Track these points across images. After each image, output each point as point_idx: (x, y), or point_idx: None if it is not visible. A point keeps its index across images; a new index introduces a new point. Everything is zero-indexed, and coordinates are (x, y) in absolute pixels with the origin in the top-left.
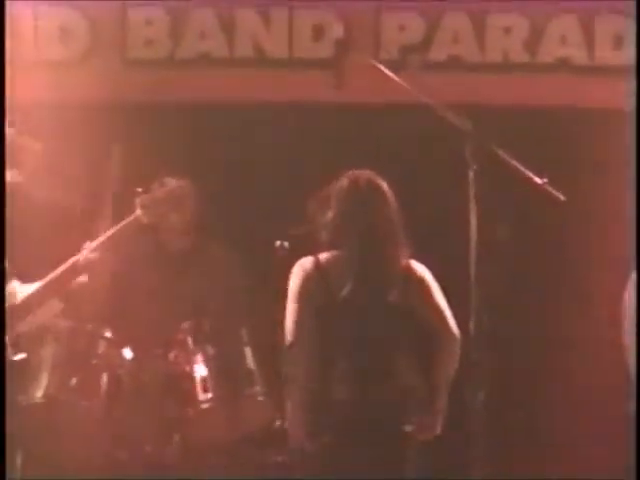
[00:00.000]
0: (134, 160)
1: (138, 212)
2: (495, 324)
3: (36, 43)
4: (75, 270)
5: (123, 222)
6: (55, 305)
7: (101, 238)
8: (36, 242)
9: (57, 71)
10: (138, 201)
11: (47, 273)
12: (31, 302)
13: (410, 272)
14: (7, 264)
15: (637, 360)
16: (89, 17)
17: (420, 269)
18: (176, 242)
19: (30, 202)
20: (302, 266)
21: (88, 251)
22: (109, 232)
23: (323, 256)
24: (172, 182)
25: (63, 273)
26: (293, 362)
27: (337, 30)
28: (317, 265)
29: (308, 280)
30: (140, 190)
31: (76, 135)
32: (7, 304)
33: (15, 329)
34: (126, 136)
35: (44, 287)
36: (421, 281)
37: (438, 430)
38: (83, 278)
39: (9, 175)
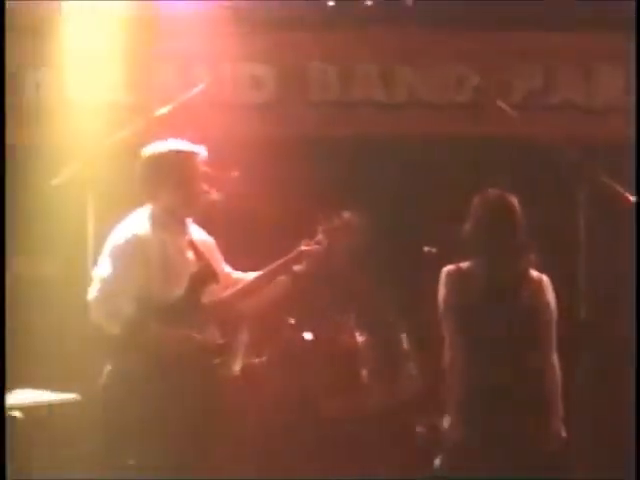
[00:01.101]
0: (315, 184)
1: (320, 236)
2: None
3: (234, 89)
4: (285, 266)
5: (313, 241)
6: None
7: (301, 247)
8: (247, 241)
9: (250, 112)
10: (320, 228)
11: (258, 267)
12: (242, 294)
13: (532, 278)
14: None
15: (637, 360)
16: (276, 68)
17: (539, 276)
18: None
19: (230, 212)
20: (446, 273)
21: (295, 253)
22: (303, 246)
23: (464, 264)
24: (346, 214)
25: (277, 267)
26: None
27: (474, 80)
28: (458, 272)
29: (451, 285)
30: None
31: (265, 164)
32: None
33: (225, 315)
34: (306, 166)
35: (259, 279)
36: (540, 286)
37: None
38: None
39: (214, 193)
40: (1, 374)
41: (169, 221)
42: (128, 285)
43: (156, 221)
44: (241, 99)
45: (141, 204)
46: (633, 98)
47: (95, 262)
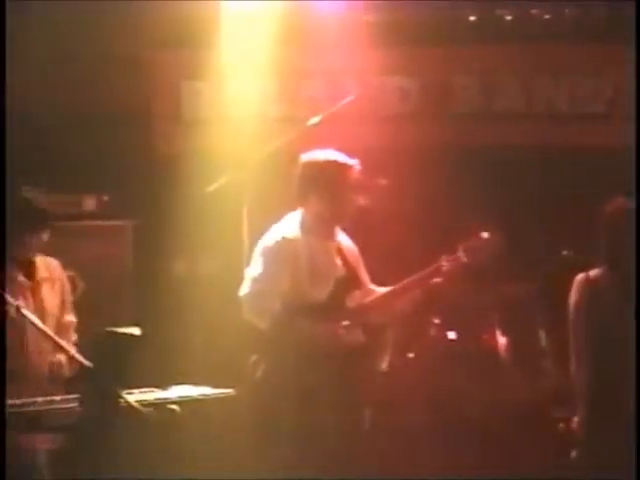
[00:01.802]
0: (456, 194)
1: (460, 253)
2: None
3: (381, 101)
4: (423, 280)
5: (452, 256)
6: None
7: (441, 262)
8: (388, 250)
9: (395, 122)
10: (461, 245)
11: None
12: (383, 301)
13: None
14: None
15: (637, 360)
16: (421, 81)
17: None
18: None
19: (374, 220)
20: (579, 281)
21: (441, 262)
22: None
23: (595, 272)
24: (485, 234)
25: (423, 276)
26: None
27: (607, 92)
28: (591, 280)
29: (583, 293)
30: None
31: (409, 174)
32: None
33: (367, 319)
34: (448, 175)
35: (404, 287)
36: None
37: None
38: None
39: (361, 200)
40: (1, 374)
41: (319, 227)
42: (276, 284)
43: (306, 226)
44: (387, 110)
45: (293, 209)
46: (633, 100)
47: (249, 262)
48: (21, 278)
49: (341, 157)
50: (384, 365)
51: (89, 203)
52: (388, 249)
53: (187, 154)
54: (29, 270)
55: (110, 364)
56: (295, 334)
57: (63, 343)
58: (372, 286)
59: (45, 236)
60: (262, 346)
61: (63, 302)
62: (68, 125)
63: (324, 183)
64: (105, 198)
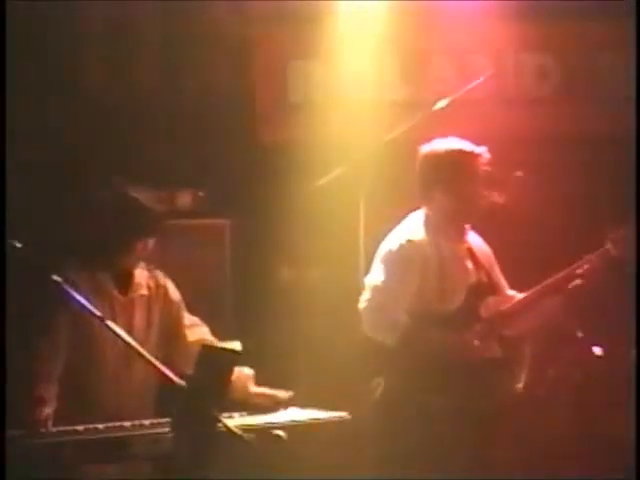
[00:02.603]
0: (602, 187)
1: (608, 245)
2: None
3: (517, 81)
4: (573, 275)
5: (597, 251)
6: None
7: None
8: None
9: (534, 106)
10: (610, 236)
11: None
12: (522, 308)
13: None
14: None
15: (637, 360)
16: (563, 60)
17: None
18: None
19: (510, 218)
20: None
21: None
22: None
23: None
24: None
25: (565, 276)
26: None
27: None
28: None
29: None
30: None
31: (550, 164)
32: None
33: (503, 330)
34: (591, 167)
35: (543, 290)
36: None
37: None
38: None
39: (493, 195)
40: (1, 374)
41: (446, 226)
42: (402, 293)
43: (432, 226)
44: (524, 92)
45: (417, 207)
46: (633, 94)
47: (367, 269)
48: (114, 292)
49: (466, 145)
50: (520, 384)
51: (183, 199)
52: (524, 250)
53: (294, 143)
54: (125, 283)
55: (207, 383)
56: (425, 348)
57: (152, 359)
58: (510, 291)
59: (151, 242)
60: (386, 363)
61: (176, 323)
62: (161, 114)
63: (448, 176)
64: (201, 194)
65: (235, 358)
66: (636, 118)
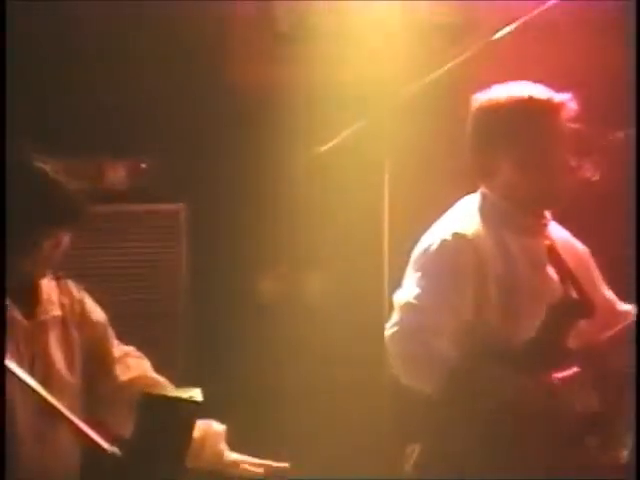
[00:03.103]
0: None
1: None
2: None
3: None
4: None
5: None
6: None
7: None
8: None
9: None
10: None
11: None
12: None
13: None
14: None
15: (637, 359)
16: None
17: None
18: None
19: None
20: None
21: None
22: None
23: None
24: None
25: None
26: None
27: None
28: None
29: None
30: None
31: None
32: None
33: (600, 372)
34: None
35: None
36: None
37: None
38: None
39: (589, 171)
40: (1, 374)
41: (517, 215)
42: (451, 314)
43: (494, 214)
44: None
45: (472, 188)
46: (633, 98)
47: (394, 279)
48: (15, 314)
49: (543, 91)
50: (621, 453)
51: (117, 174)
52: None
53: (283, 91)
54: (29, 301)
55: (152, 450)
56: (483, 399)
57: (66, 412)
58: (621, 306)
59: (66, 240)
60: (423, 421)
61: (101, 354)
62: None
63: (515, 138)
64: (143, 166)
65: (193, 411)
66: (636, 118)
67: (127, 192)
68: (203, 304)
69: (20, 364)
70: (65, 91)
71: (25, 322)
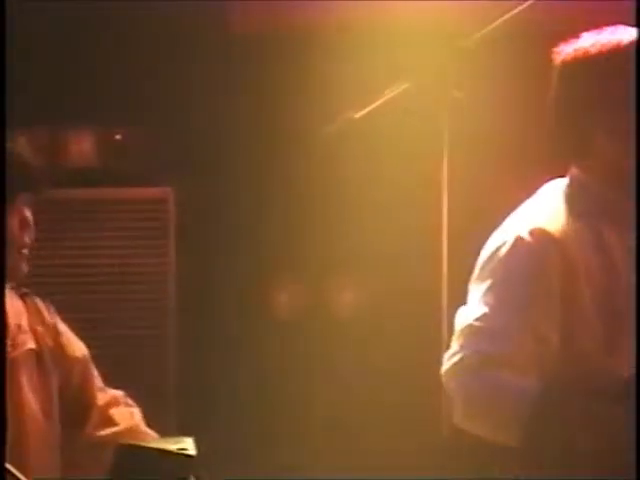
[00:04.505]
0: None
1: None
2: None
3: None
4: None
5: None
6: None
7: None
8: None
9: None
10: None
11: None
12: None
13: None
14: None
15: (637, 358)
16: None
17: None
18: None
19: None
20: None
21: None
22: None
23: None
24: None
25: None
26: None
27: None
28: None
29: None
30: None
31: None
32: None
33: None
34: None
35: None
36: None
37: None
38: None
39: None
40: (1, 374)
41: (616, 203)
42: (532, 338)
43: (589, 203)
44: None
45: (562, 167)
46: (633, 97)
47: (455, 290)
48: None
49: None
50: None
51: (84, 147)
52: None
53: (300, 36)
54: None
55: None
56: (580, 444)
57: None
58: None
59: (29, 233)
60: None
61: (75, 395)
62: None
63: (615, 100)
64: (118, 137)
65: (184, 467)
66: (636, 118)
67: (99, 172)
68: (197, 320)
69: None
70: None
71: None
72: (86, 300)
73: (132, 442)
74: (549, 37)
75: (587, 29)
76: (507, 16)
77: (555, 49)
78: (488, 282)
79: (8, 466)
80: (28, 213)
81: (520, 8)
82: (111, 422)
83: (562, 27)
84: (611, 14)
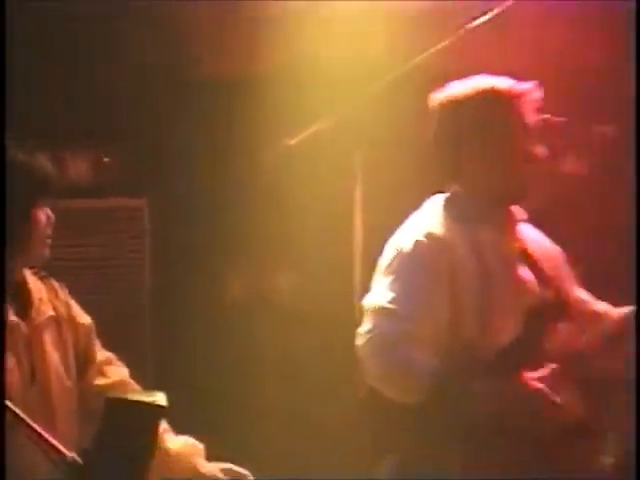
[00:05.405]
0: None
1: None
2: None
3: None
4: None
5: None
6: None
7: None
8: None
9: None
10: None
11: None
12: (613, 338)
13: None
14: None
15: (637, 359)
16: None
17: None
18: None
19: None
20: None
21: None
22: None
23: None
24: None
25: None
26: None
27: None
28: None
29: None
30: None
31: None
32: None
33: (582, 374)
34: None
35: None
36: None
37: None
38: None
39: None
40: (1, 375)
41: (486, 213)
42: (429, 319)
43: (465, 213)
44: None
45: (441, 185)
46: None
47: (366, 282)
48: (13, 318)
49: (501, 82)
50: (610, 459)
51: (77, 168)
52: (617, 250)
53: (252, 78)
54: (22, 301)
55: (112, 457)
56: (464, 408)
57: (32, 423)
58: (597, 305)
59: (43, 220)
60: (402, 433)
61: (84, 357)
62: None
63: (482, 131)
64: (106, 160)
65: (157, 416)
66: (636, 117)
67: (89, 187)
68: (169, 306)
69: (20, 368)
70: (31, 85)
71: (22, 325)
72: (75, 286)
73: (117, 395)
74: (445, 82)
75: (474, 74)
76: (411, 63)
77: (431, 95)
78: (394, 275)
79: (8, 403)
80: (49, 211)
81: (421, 57)
82: (105, 375)
83: (455, 74)
84: (499, 64)
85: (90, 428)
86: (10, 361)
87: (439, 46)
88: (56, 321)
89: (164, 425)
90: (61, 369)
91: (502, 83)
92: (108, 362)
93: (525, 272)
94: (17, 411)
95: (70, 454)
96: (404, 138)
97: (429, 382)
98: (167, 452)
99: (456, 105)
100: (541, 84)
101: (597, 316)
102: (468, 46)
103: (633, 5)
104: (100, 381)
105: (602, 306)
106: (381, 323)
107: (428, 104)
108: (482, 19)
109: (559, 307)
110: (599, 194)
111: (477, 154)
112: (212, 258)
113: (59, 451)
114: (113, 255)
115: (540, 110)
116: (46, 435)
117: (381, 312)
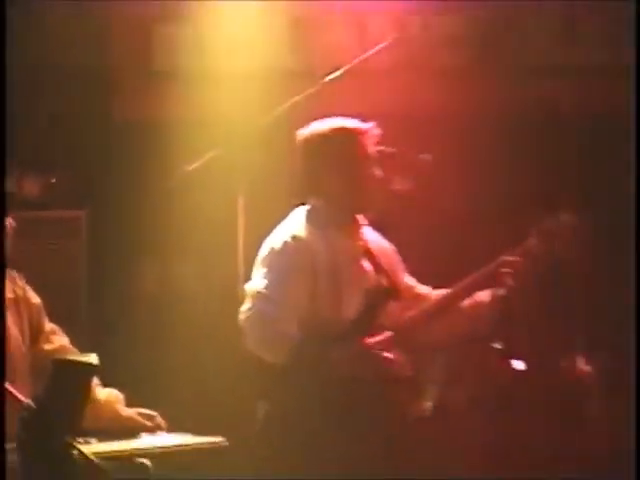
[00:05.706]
0: (523, 171)
1: (531, 240)
2: None
3: (424, 49)
4: (484, 279)
5: (519, 247)
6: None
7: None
8: (436, 247)
9: (444, 77)
10: (535, 228)
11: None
12: (430, 315)
13: None
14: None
15: (637, 360)
16: (474, 25)
17: None
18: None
19: (416, 208)
20: None
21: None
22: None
23: None
24: (565, 215)
25: (473, 281)
26: None
27: None
28: None
29: None
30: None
31: (464, 145)
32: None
33: (411, 340)
34: (510, 147)
35: (452, 296)
36: None
37: None
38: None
39: (398, 184)
40: (1, 374)
41: (338, 220)
42: (290, 300)
43: (322, 220)
44: (432, 61)
45: (304, 199)
46: (633, 98)
47: (247, 274)
48: None
49: (349, 122)
50: (427, 407)
51: (30, 187)
52: (435, 247)
53: (160, 121)
54: None
55: (59, 403)
56: (319, 366)
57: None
58: (423, 289)
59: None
60: (272, 385)
61: (36, 329)
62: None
63: (331, 159)
64: (53, 180)
65: (91, 372)
66: (636, 114)
67: (40, 201)
68: (102, 293)
69: None
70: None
71: None
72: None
73: (61, 357)
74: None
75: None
76: (280, 109)
77: (297, 132)
78: (268, 267)
79: (8, 386)
80: (12, 220)
81: (305, 94)
82: (52, 342)
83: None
84: (350, 109)
85: (41, 383)
86: None
87: (304, 94)
88: (14, 301)
89: (95, 380)
90: (19, 339)
91: (350, 123)
92: (53, 332)
93: (366, 264)
94: None
95: (26, 401)
96: (277, 163)
97: (292, 348)
98: (97, 400)
99: (316, 139)
100: (380, 123)
101: (421, 297)
102: (327, 94)
103: (633, 5)
104: (48, 346)
105: (425, 289)
106: (258, 304)
107: (295, 139)
108: (336, 74)
109: (391, 291)
110: (421, 207)
111: (333, 176)
112: (134, 257)
113: (18, 399)
114: (58, 254)
115: (378, 143)
116: (10, 388)
117: (257, 295)
